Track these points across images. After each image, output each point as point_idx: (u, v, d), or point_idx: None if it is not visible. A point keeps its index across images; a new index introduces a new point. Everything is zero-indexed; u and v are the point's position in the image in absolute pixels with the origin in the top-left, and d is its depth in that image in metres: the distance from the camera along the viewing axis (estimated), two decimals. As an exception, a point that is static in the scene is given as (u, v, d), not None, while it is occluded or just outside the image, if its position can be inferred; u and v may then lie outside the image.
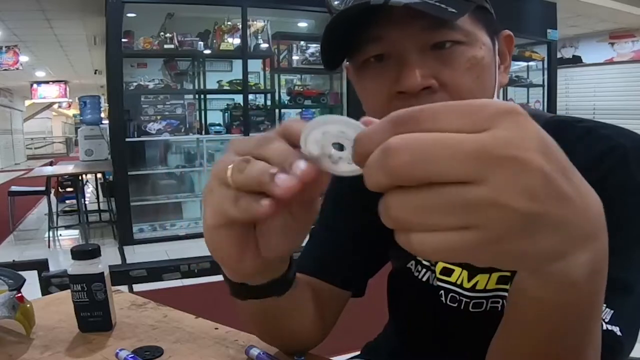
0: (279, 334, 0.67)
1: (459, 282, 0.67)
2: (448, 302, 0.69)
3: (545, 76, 6.84)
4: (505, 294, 0.63)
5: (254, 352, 0.68)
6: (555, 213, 0.27)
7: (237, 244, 0.41)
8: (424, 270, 0.72)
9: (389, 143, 0.28)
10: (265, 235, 0.41)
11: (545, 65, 6.80)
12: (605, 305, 0.50)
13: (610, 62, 8.40)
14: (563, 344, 0.38)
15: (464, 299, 0.67)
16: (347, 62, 0.65)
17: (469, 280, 0.66)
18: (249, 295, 0.53)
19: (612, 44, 8.38)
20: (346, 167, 0.33)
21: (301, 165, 0.34)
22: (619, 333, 0.49)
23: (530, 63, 6.89)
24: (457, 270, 0.68)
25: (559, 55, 7.73)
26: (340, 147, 0.33)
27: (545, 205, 0.27)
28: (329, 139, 0.33)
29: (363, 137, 0.30)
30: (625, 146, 0.57)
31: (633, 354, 0.92)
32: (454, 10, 0.51)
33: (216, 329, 0.79)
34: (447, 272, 0.69)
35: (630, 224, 0.54)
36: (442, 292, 0.69)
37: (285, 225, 0.40)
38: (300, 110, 5.75)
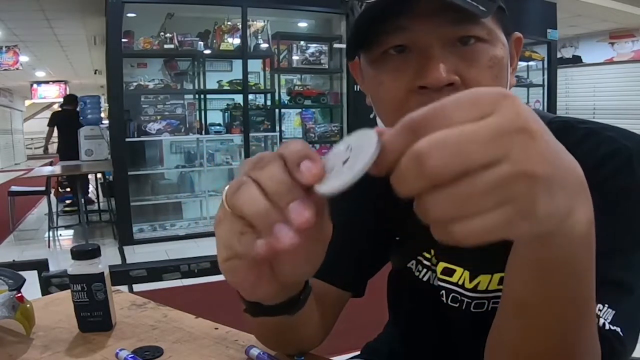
0: (286, 344, 0.67)
1: (460, 283, 0.67)
2: (449, 302, 0.69)
3: (545, 76, 6.84)
4: None
5: (254, 352, 0.68)
6: (560, 172, 0.31)
7: (251, 272, 0.40)
8: (425, 270, 0.72)
9: (419, 149, 0.29)
10: (280, 262, 0.40)
11: (545, 65, 6.80)
12: (607, 305, 0.50)
13: (610, 62, 8.40)
14: (561, 322, 0.40)
15: (466, 299, 0.67)
16: (358, 56, 0.64)
17: (470, 281, 0.66)
18: (262, 313, 0.53)
19: (612, 43, 8.38)
20: (339, 182, 0.33)
21: (299, 212, 0.34)
22: (621, 333, 0.50)
23: (530, 63, 6.89)
24: (459, 270, 0.67)
25: (559, 55, 7.73)
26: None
27: (553, 167, 0.30)
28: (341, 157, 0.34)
29: (384, 147, 0.31)
30: (629, 148, 0.57)
31: (633, 354, 0.92)
32: (483, 8, 0.51)
33: (216, 329, 0.79)
34: (449, 272, 0.68)
35: (633, 226, 0.54)
36: (443, 292, 0.69)
37: (300, 249, 0.36)
38: (300, 110, 5.75)
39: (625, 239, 0.53)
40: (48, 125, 6.89)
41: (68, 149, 6.46)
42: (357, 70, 0.67)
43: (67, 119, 6.57)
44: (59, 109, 6.87)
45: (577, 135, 0.60)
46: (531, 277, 0.40)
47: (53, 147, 7.23)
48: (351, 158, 0.33)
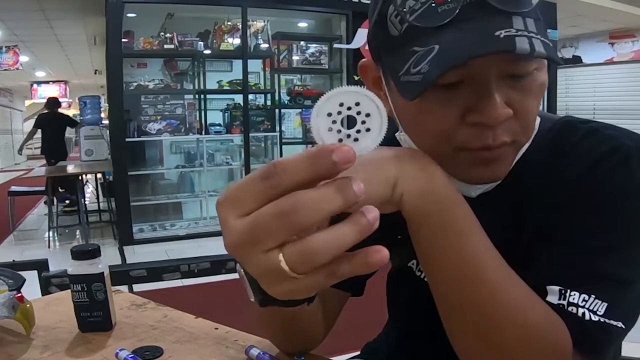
0: (293, 335, 0.68)
1: None
2: None
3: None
4: None
5: (254, 352, 0.68)
6: None
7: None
8: None
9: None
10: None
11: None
12: (594, 296, 0.51)
13: (610, 62, 8.40)
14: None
15: None
16: (382, 65, 0.60)
17: None
18: (283, 304, 0.52)
19: (612, 44, 8.38)
20: (370, 141, 0.34)
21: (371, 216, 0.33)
22: (615, 324, 0.51)
23: (530, 63, 6.87)
24: None
25: (559, 55, 7.72)
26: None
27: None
28: (338, 119, 0.33)
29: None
30: (629, 147, 0.57)
31: (633, 354, 0.92)
32: (549, 42, 0.49)
33: (216, 329, 0.79)
34: None
35: (631, 223, 0.55)
36: None
37: None
38: (300, 110, 5.75)
39: (623, 235, 0.54)
40: (33, 127, 7.00)
41: (54, 151, 6.58)
42: (370, 73, 0.63)
43: (51, 122, 6.70)
44: (45, 112, 7.02)
45: (578, 134, 0.60)
46: (420, 259, 0.51)
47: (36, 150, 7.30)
48: (362, 121, 0.33)
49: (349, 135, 0.34)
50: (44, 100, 7.15)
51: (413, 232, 0.50)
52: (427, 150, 0.56)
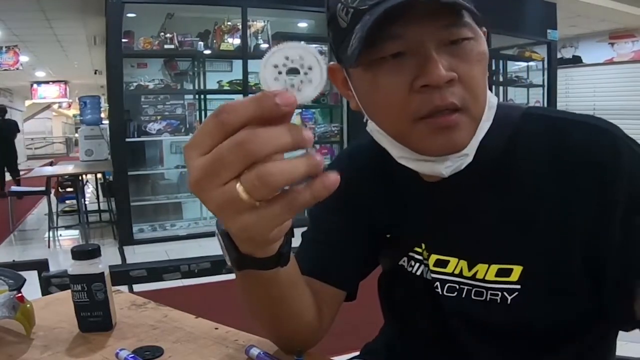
0: (281, 318, 0.67)
1: (457, 272, 0.67)
2: (445, 292, 0.69)
3: (545, 76, 6.84)
4: (505, 286, 0.63)
5: (254, 352, 0.68)
6: None
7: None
8: (417, 264, 0.73)
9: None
10: None
11: (545, 65, 6.81)
12: None
13: (610, 62, 8.40)
14: None
15: (465, 287, 0.67)
16: (340, 62, 0.64)
17: (469, 270, 0.66)
18: (257, 266, 0.53)
19: (612, 44, 8.39)
20: (311, 90, 0.37)
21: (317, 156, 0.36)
22: None
23: (530, 63, 6.89)
24: (453, 260, 0.68)
25: (559, 55, 7.73)
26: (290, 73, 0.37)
27: None
28: (285, 71, 0.37)
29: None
30: (615, 133, 0.60)
31: (633, 354, 0.92)
32: (471, 4, 0.54)
33: (216, 329, 0.79)
34: (442, 263, 0.69)
35: None
36: (437, 283, 0.69)
37: None
38: (300, 110, 5.75)
39: None
40: None
41: (4, 158, 6.72)
42: (338, 76, 0.67)
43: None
44: None
45: (576, 136, 0.62)
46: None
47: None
48: (304, 72, 0.37)
49: (292, 85, 0.37)
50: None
51: None
52: (391, 129, 0.62)
